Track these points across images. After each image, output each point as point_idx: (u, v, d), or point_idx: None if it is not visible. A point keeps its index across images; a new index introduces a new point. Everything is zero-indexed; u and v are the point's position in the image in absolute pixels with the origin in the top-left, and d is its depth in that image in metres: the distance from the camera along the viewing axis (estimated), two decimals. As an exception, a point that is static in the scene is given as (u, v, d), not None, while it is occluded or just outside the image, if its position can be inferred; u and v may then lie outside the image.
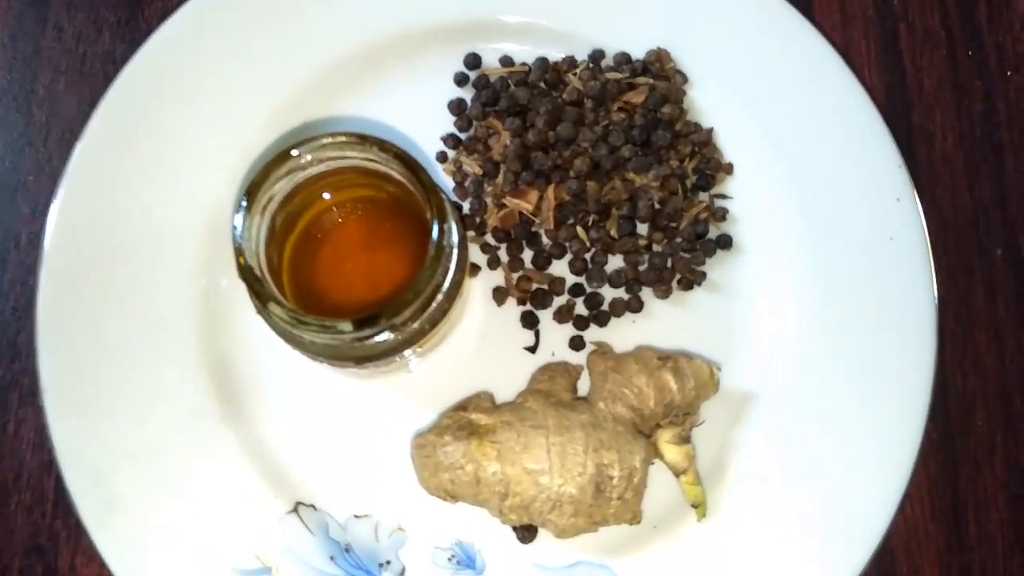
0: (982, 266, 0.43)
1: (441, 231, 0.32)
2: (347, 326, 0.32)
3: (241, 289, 0.38)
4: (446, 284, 0.34)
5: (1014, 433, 0.41)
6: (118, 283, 0.39)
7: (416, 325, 0.34)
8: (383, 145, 0.33)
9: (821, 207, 0.41)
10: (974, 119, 0.45)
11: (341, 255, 0.38)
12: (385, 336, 0.33)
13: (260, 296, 0.32)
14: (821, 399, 0.39)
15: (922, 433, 0.38)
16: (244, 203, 0.33)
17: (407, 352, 0.35)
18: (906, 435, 0.38)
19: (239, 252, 0.32)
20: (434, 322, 0.35)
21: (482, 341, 0.40)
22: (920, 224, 0.40)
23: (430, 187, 0.33)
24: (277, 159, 0.33)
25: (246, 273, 0.32)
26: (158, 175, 0.41)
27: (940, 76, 0.46)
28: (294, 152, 0.33)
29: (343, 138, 0.33)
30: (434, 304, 0.34)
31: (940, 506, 0.41)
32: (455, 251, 0.34)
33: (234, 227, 0.32)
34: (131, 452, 0.37)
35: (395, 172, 0.34)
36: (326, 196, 0.37)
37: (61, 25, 0.46)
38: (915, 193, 0.40)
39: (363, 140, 0.33)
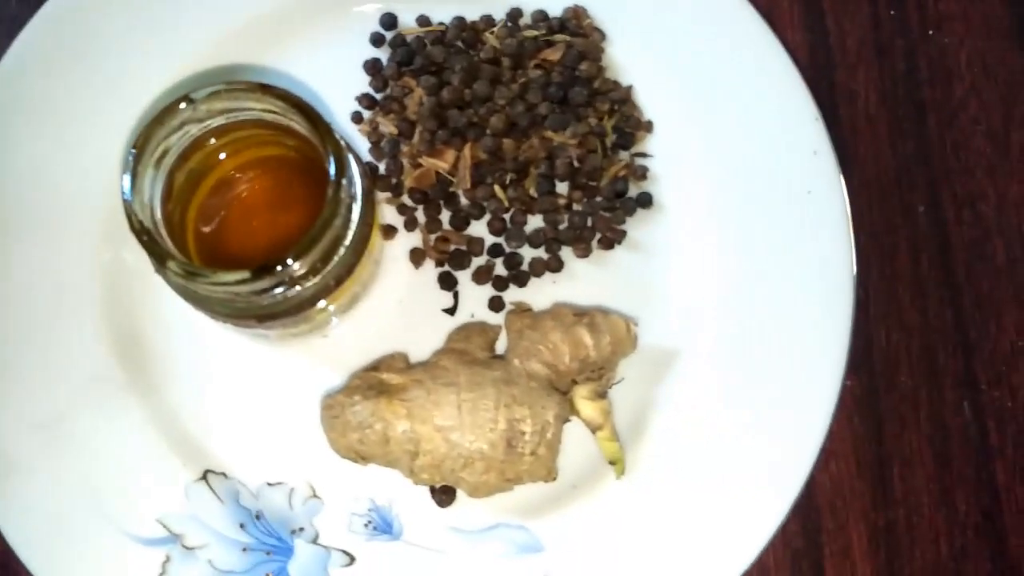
0: (905, 224, 0.43)
1: (339, 176, 0.32)
2: (243, 275, 0.31)
3: (145, 259, 0.37)
4: (348, 236, 0.33)
5: (938, 388, 0.41)
6: (16, 250, 0.38)
7: (318, 279, 0.33)
8: (280, 93, 0.32)
9: (739, 163, 0.40)
10: (896, 78, 0.45)
11: (247, 215, 0.37)
12: (284, 289, 0.32)
13: (153, 252, 0.31)
14: (740, 355, 0.38)
15: (840, 384, 0.38)
16: (132, 157, 0.31)
17: (323, 309, 0.35)
18: (824, 388, 0.37)
19: (129, 209, 0.31)
20: (339, 278, 0.34)
21: (400, 304, 0.39)
22: (837, 176, 0.40)
23: (328, 134, 0.32)
24: (169, 108, 0.32)
25: (138, 231, 0.31)
26: (59, 141, 0.39)
27: (862, 35, 0.46)
28: (183, 104, 0.32)
29: (241, 86, 0.32)
30: (336, 257, 0.33)
31: (865, 462, 0.40)
32: (358, 203, 0.33)
33: (123, 178, 0.31)
34: (31, 420, 0.36)
35: (296, 124, 0.33)
36: (227, 156, 0.36)
37: (-35, -10, 0.44)
38: (831, 146, 0.40)
39: (261, 88, 0.32)
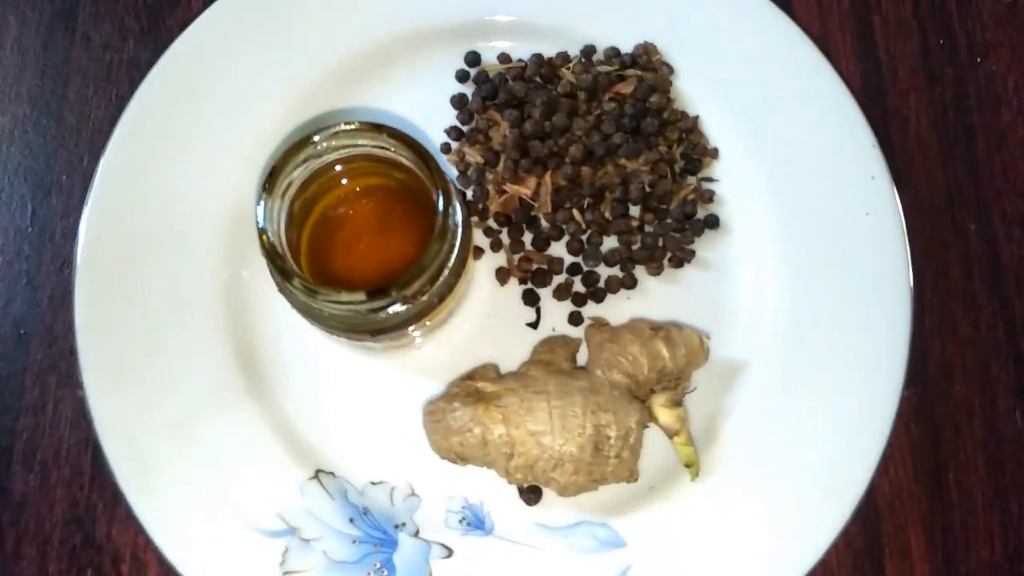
0: (957, 241, 0.46)
1: (446, 209, 0.35)
2: (361, 296, 0.34)
3: (261, 275, 0.41)
4: (451, 260, 0.37)
5: (991, 397, 0.44)
6: (149, 269, 0.42)
7: (425, 298, 0.37)
8: (394, 132, 0.36)
9: (800, 187, 0.43)
10: (946, 104, 0.48)
11: (355, 238, 0.40)
12: (397, 308, 0.36)
13: (282, 272, 0.35)
14: (804, 366, 0.41)
15: (899, 393, 0.40)
16: (266, 187, 0.35)
17: (417, 327, 0.38)
18: (884, 396, 0.40)
19: (262, 231, 0.35)
20: (441, 296, 0.38)
21: (487, 318, 0.43)
22: (893, 199, 0.42)
23: (436, 170, 0.36)
24: (296, 145, 0.36)
25: (269, 251, 0.35)
26: (183, 170, 0.44)
27: (913, 64, 0.49)
28: (314, 138, 0.36)
29: (356, 126, 0.36)
30: (441, 279, 0.37)
31: (922, 468, 0.43)
32: (459, 230, 0.37)
33: (257, 209, 0.35)
34: (163, 424, 0.40)
35: (404, 159, 0.37)
36: (340, 183, 0.40)
37: (88, 35, 0.49)
38: (888, 171, 0.43)
39: (376, 128, 0.36)
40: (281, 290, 0.37)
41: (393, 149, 0.37)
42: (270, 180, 0.36)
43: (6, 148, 0.47)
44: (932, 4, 0.49)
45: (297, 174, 0.37)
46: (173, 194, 0.43)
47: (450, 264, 0.37)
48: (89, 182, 0.45)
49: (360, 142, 0.37)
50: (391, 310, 0.36)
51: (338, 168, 0.39)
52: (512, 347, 0.42)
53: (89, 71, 0.48)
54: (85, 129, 0.48)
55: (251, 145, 0.44)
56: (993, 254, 0.46)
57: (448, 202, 0.35)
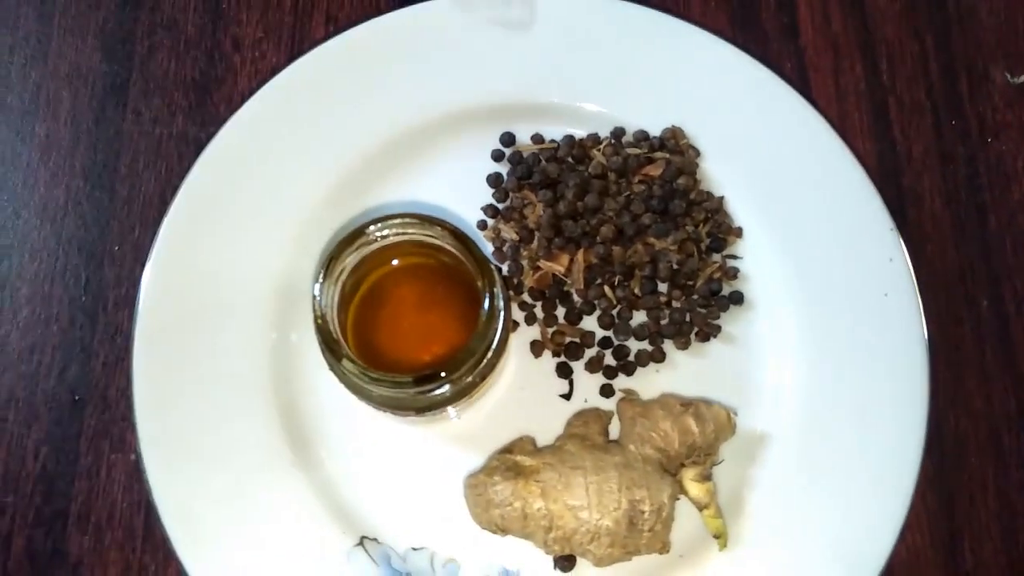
0: (970, 316, 0.48)
1: (492, 297, 0.38)
2: (409, 380, 0.37)
3: (308, 344, 0.43)
4: (495, 342, 0.39)
5: (1004, 468, 0.46)
6: (200, 341, 0.44)
7: (470, 379, 0.39)
8: (442, 224, 0.38)
9: (821, 266, 0.46)
10: (959, 182, 0.50)
11: (398, 316, 0.43)
12: (443, 389, 0.38)
13: (336, 354, 0.37)
14: (826, 440, 0.43)
15: (918, 469, 0.42)
16: (323, 273, 0.38)
17: (464, 403, 0.40)
18: (904, 471, 0.42)
19: (319, 316, 0.37)
20: (484, 375, 0.40)
21: (521, 390, 0.45)
22: (911, 282, 0.45)
23: (482, 260, 0.38)
24: (351, 236, 0.38)
25: (325, 335, 0.37)
26: (232, 245, 0.46)
27: (927, 144, 0.51)
28: (368, 229, 0.38)
29: (408, 219, 0.38)
30: (485, 360, 0.39)
31: (938, 536, 0.45)
32: (502, 313, 0.39)
33: (314, 295, 0.37)
34: (215, 495, 0.42)
35: (449, 246, 0.39)
36: (387, 264, 0.42)
37: (139, 110, 0.52)
38: (906, 254, 0.45)
39: (425, 220, 0.38)
40: (332, 369, 0.39)
41: (439, 238, 0.39)
42: (327, 267, 0.38)
43: (61, 220, 0.50)
44: (945, 86, 0.52)
45: (349, 260, 0.39)
46: (224, 267, 0.46)
47: (493, 346, 0.39)
48: (140, 252, 0.47)
49: (411, 231, 0.39)
50: (438, 392, 0.38)
51: (385, 252, 0.41)
52: (546, 418, 0.44)
53: (140, 145, 0.51)
54: (136, 201, 0.50)
55: (298, 220, 0.46)
56: (1004, 329, 0.48)
57: (493, 290, 0.38)
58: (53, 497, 0.45)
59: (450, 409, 0.43)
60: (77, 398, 0.46)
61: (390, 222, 0.38)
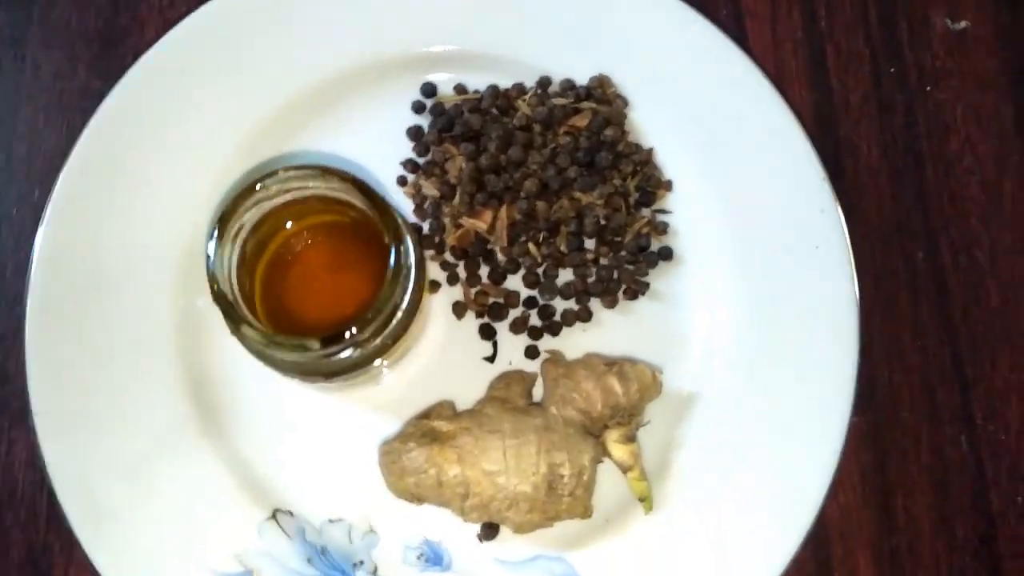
0: (906, 269, 0.47)
1: (398, 253, 0.35)
2: (315, 344, 0.35)
3: (216, 309, 0.40)
4: (405, 302, 0.37)
5: (937, 423, 0.45)
6: (100, 307, 0.42)
7: (378, 341, 0.37)
8: (342, 176, 0.36)
9: (752, 220, 0.44)
10: (896, 132, 0.49)
11: (308, 277, 0.40)
12: (350, 352, 0.36)
13: (233, 319, 0.35)
14: (755, 397, 0.42)
15: (847, 424, 0.41)
16: (215, 233, 0.35)
17: (377, 363, 0.38)
18: (833, 427, 0.41)
19: (212, 279, 0.35)
20: (395, 337, 0.38)
21: (443, 353, 0.43)
22: (843, 233, 0.43)
23: (386, 212, 0.36)
24: (244, 192, 0.36)
25: (220, 299, 0.35)
26: (134, 205, 0.43)
27: (864, 92, 0.49)
28: (259, 185, 0.35)
29: (305, 171, 0.36)
30: (394, 321, 0.37)
31: (871, 493, 0.44)
32: (412, 271, 0.37)
33: (207, 256, 0.35)
34: (116, 466, 0.40)
35: (355, 200, 0.37)
36: (291, 224, 0.40)
37: (39, 63, 0.48)
38: (838, 205, 0.44)
39: (323, 172, 0.36)
40: (234, 333, 0.37)
41: (342, 190, 0.37)
42: (220, 226, 0.35)
43: (-46, 181, 0.47)
44: (884, 33, 0.50)
45: (248, 217, 0.37)
46: (125, 227, 0.43)
47: (403, 306, 0.37)
48: (40, 215, 0.44)
49: (310, 184, 0.37)
50: (344, 354, 0.36)
51: (291, 208, 0.39)
52: (469, 381, 0.42)
53: (39, 100, 0.48)
54: (36, 160, 0.47)
55: (203, 178, 0.44)
56: (940, 282, 0.47)
57: (400, 244, 0.36)
58: (-51, 475, 0.42)
59: (383, 371, 0.41)
60: (-27, 371, 0.44)
61: (285, 175, 0.36)
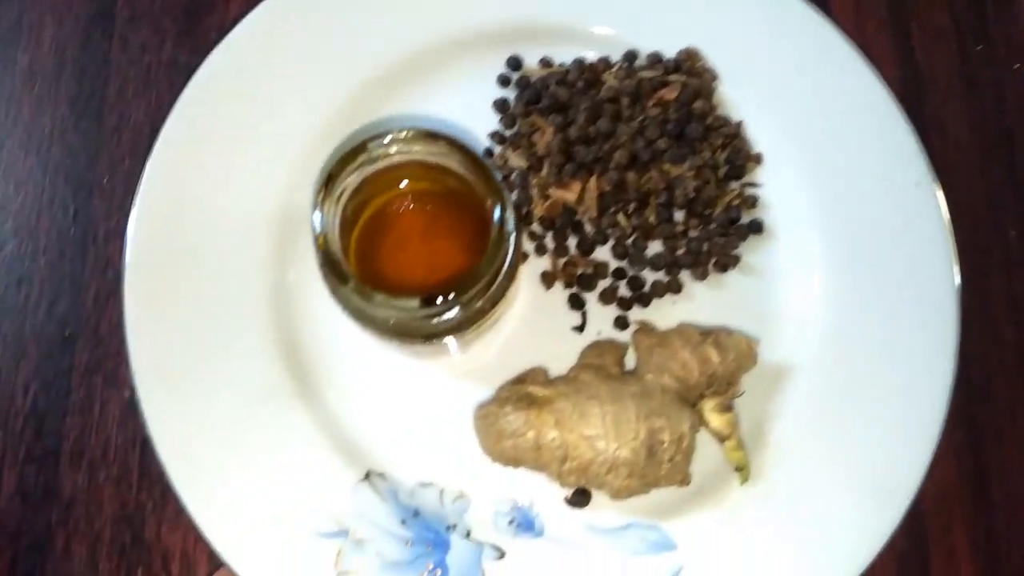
0: (997, 245, 0.46)
1: (503, 217, 0.35)
2: (415, 303, 0.35)
3: (307, 277, 0.41)
4: (505, 266, 0.37)
5: (1032, 401, 0.44)
6: (195, 271, 0.42)
7: (479, 304, 0.37)
8: (451, 141, 0.36)
9: (844, 192, 0.44)
10: (985, 109, 0.48)
11: (403, 244, 0.40)
12: (452, 314, 0.36)
13: (337, 275, 0.35)
14: (852, 370, 0.41)
15: (949, 397, 0.40)
16: (322, 192, 0.36)
17: (471, 333, 0.38)
18: (933, 403, 0.40)
19: (319, 236, 0.35)
20: (494, 301, 0.38)
21: (532, 323, 0.43)
22: (939, 206, 0.43)
23: (491, 178, 0.36)
24: (351, 152, 0.36)
25: (325, 255, 0.35)
26: (228, 174, 0.44)
27: (951, 69, 0.49)
28: (369, 145, 0.36)
29: (413, 134, 0.36)
30: (495, 285, 0.37)
31: (965, 470, 0.43)
32: (512, 236, 0.37)
33: (313, 215, 0.35)
34: (213, 426, 0.40)
35: (456, 165, 0.37)
36: (388, 190, 0.40)
37: (126, 37, 0.49)
38: (933, 176, 0.43)
39: (432, 136, 0.36)
40: (334, 294, 0.37)
41: (447, 157, 0.37)
42: (327, 186, 0.36)
43: (47, 150, 0.47)
44: (970, 9, 0.50)
45: (351, 180, 0.37)
46: (218, 197, 0.43)
47: (504, 270, 0.37)
48: (131, 183, 0.45)
49: (415, 148, 0.37)
50: (445, 316, 0.36)
51: (390, 173, 0.39)
52: (557, 352, 0.42)
53: (128, 73, 0.48)
54: (125, 130, 0.48)
55: (295, 149, 0.44)
56: (1033, 258, 0.46)
57: (504, 210, 0.36)
58: (44, 434, 0.43)
59: (452, 344, 0.41)
60: (68, 333, 0.44)
61: (393, 136, 0.36)
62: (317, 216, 0.35)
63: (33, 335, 0.44)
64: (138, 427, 0.41)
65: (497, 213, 0.35)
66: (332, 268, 0.35)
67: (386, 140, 0.36)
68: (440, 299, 0.35)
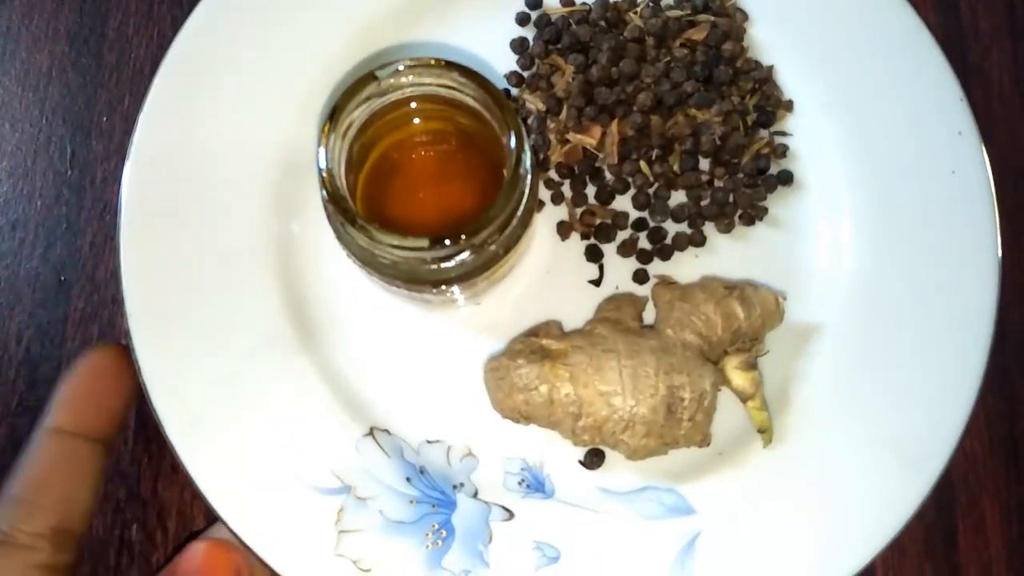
0: (1039, 204, 0.44)
1: (518, 153, 0.33)
2: (424, 243, 0.33)
3: (312, 227, 0.39)
4: (521, 209, 0.35)
5: (1072, 368, 0.42)
6: (195, 217, 0.40)
7: (492, 248, 0.35)
8: (464, 70, 0.34)
9: (881, 143, 0.41)
10: (1031, 60, 0.45)
11: (413, 185, 0.38)
12: (463, 257, 0.34)
13: (344, 214, 0.33)
14: (884, 331, 0.39)
15: (985, 361, 0.38)
16: (327, 125, 0.33)
17: (483, 282, 0.36)
18: (968, 368, 0.38)
19: (325, 172, 0.33)
20: (507, 247, 0.36)
21: (547, 274, 0.41)
22: (982, 156, 0.40)
23: (508, 111, 0.34)
24: (359, 82, 0.34)
25: (332, 193, 0.33)
26: (231, 114, 0.41)
27: (996, 19, 0.46)
28: (377, 74, 0.33)
29: (424, 62, 0.34)
30: (509, 228, 0.35)
31: (997, 440, 0.41)
32: (529, 176, 0.35)
33: (319, 150, 0.33)
34: (211, 375, 0.38)
35: (470, 99, 0.35)
36: (397, 129, 0.38)
37: (128, -30, 0.47)
38: (975, 126, 0.41)
39: (444, 65, 0.34)
40: (339, 237, 0.35)
41: (461, 89, 0.35)
42: (332, 119, 0.33)
43: (44, 88, 0.45)
44: (1018, -46, 0.47)
45: (358, 114, 0.35)
46: (221, 139, 0.41)
47: (519, 213, 0.35)
48: (130, 123, 0.42)
49: (426, 80, 0.35)
50: (456, 260, 0.34)
51: (399, 110, 0.36)
52: (573, 305, 0.40)
53: (129, 8, 0.46)
54: (126, 68, 0.46)
55: (302, 89, 0.42)
56: (1078, 218, 0.43)
57: (521, 146, 0.33)
58: (38, 383, 0.41)
59: (460, 296, 0.39)
60: (63, 279, 0.43)
61: (402, 65, 0.33)
62: (322, 152, 0.33)
63: (27, 281, 0.43)
64: (136, 378, 0.39)
65: (513, 145, 0.33)
66: (338, 206, 0.33)
67: (395, 69, 0.34)
68: (450, 240, 0.33)
